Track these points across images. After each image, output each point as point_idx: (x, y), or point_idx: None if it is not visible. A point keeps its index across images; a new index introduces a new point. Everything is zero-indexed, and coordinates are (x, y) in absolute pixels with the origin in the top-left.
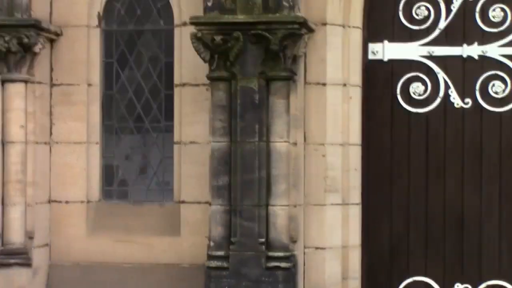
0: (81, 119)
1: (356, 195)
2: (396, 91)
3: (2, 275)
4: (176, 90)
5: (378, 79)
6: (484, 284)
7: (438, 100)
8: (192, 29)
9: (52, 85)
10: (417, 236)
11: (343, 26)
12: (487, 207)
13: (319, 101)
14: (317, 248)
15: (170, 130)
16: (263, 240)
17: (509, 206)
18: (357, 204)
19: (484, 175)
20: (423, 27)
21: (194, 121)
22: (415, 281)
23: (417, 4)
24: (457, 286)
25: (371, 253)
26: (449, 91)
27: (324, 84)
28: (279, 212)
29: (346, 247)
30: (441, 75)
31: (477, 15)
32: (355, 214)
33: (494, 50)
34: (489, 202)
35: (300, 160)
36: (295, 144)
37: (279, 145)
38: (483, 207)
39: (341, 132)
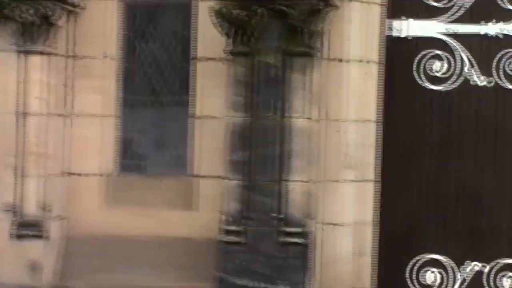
0: (99, 92)
1: (372, 172)
2: (415, 69)
3: (18, 246)
4: (195, 64)
5: (398, 56)
6: (497, 263)
7: (457, 78)
8: (212, 3)
9: (71, 57)
10: (432, 214)
11: (364, 3)
12: (504, 186)
13: (338, 77)
14: (332, 224)
15: (187, 104)
16: (278, 215)
17: None
18: (373, 181)
19: (502, 154)
20: (444, 4)
21: (212, 96)
22: (428, 259)
23: None
24: (470, 264)
25: (385, 230)
26: (469, 69)
27: (344, 61)
28: (295, 188)
29: (361, 224)
30: (461, 53)
31: None
32: (371, 191)
33: None
34: (506, 181)
35: (318, 136)
36: (313, 120)
37: (297, 121)
38: (499, 186)
39: (359, 109)
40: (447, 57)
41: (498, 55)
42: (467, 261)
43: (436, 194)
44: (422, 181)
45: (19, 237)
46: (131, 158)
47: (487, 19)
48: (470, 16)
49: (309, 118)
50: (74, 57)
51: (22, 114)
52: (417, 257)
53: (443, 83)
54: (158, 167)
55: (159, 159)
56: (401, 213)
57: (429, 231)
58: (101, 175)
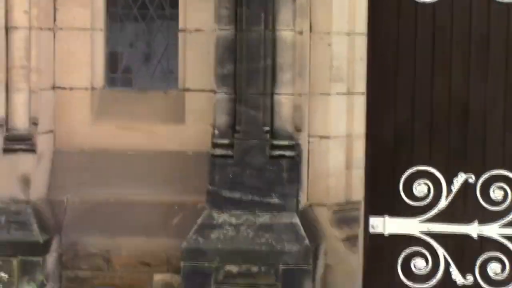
0: (85, 5)
1: (361, 85)
2: None
3: (7, 160)
4: None
5: None
6: (487, 174)
7: None
8: None
9: None
10: (422, 126)
11: None
12: (494, 97)
13: None
14: (321, 137)
15: (175, 17)
16: (267, 128)
17: None
18: (362, 93)
19: (491, 65)
20: None
21: (200, 9)
22: (418, 171)
23: None
24: (461, 175)
25: (375, 143)
26: None
27: None
28: (284, 101)
29: (350, 137)
30: None
31: None
32: (360, 103)
33: None
34: (496, 92)
35: (306, 49)
36: (301, 32)
37: (285, 34)
38: (489, 97)
39: (347, 21)
40: None
41: None
42: (459, 173)
43: (426, 107)
44: (412, 94)
45: (10, 151)
46: (119, 72)
47: None
48: None
49: (297, 31)
50: None
51: (8, 28)
52: (408, 169)
53: None
54: (147, 81)
55: (147, 73)
56: (391, 125)
57: (420, 144)
58: (89, 89)
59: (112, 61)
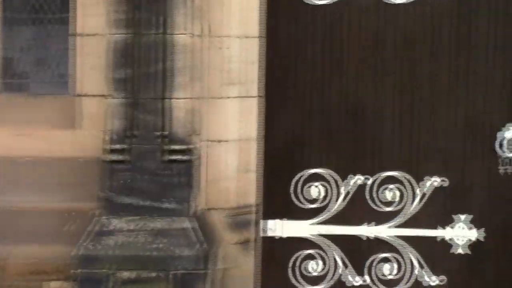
0: None
1: (255, 88)
2: None
3: None
4: None
5: None
6: (380, 175)
7: None
8: None
9: None
10: (316, 128)
11: None
12: (385, 100)
13: None
14: (216, 141)
15: (69, 22)
16: (162, 133)
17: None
18: (256, 96)
19: (382, 68)
20: None
21: (94, 13)
22: (312, 173)
23: None
24: (354, 177)
25: (270, 146)
26: None
27: None
28: (179, 105)
29: (245, 140)
30: None
31: None
32: (255, 107)
33: None
34: (387, 95)
35: (201, 52)
36: (196, 36)
37: (179, 37)
38: (381, 100)
39: (242, 25)
40: None
41: None
42: (351, 175)
43: (320, 108)
44: (306, 96)
45: None
46: (14, 77)
47: None
48: None
49: (192, 34)
50: None
51: None
52: (301, 172)
53: None
54: (42, 86)
55: (42, 78)
56: (285, 128)
57: (314, 146)
58: None
59: (5, 66)
